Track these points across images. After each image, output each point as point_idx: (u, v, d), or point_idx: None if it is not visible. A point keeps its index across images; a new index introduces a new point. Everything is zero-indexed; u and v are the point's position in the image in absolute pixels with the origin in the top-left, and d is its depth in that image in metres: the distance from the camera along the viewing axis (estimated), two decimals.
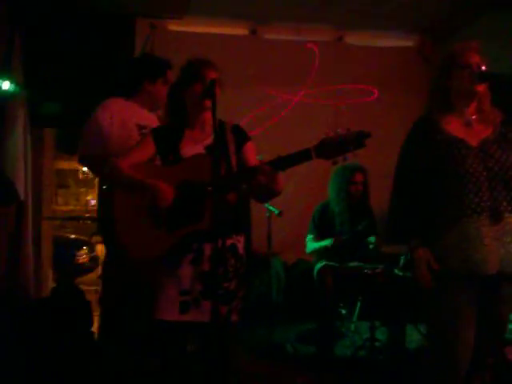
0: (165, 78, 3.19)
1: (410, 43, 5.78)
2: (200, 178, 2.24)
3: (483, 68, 2.24)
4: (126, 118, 3.09)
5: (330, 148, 2.10)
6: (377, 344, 3.84)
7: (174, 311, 2.31)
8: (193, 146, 2.41)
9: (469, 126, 2.29)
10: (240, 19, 5.33)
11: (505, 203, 2.12)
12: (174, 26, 5.22)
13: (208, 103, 2.30)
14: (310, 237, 4.25)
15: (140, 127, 3.08)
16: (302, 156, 2.14)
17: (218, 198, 2.17)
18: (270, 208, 4.00)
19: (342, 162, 2.13)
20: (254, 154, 2.49)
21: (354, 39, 5.65)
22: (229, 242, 2.38)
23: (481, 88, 2.23)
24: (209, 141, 2.39)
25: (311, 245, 4.21)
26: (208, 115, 2.35)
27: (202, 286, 2.31)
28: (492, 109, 2.31)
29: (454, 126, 2.28)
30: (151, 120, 3.16)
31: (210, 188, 2.19)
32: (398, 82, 5.39)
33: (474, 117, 2.29)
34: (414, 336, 4.05)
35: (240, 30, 5.40)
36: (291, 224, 4.80)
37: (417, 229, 2.26)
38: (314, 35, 5.52)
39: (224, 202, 2.26)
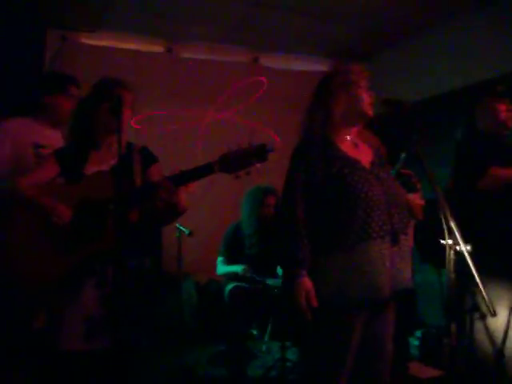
0: (66, 91, 3.09)
1: (323, 67, 5.93)
2: (101, 195, 2.17)
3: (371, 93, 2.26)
4: (20, 138, 2.97)
5: (232, 162, 2.10)
6: (288, 364, 3.85)
7: (77, 339, 2.20)
8: (98, 167, 2.34)
9: (356, 147, 2.30)
10: (156, 37, 5.27)
11: (399, 225, 2.14)
12: (87, 39, 5.07)
13: (115, 124, 2.23)
14: (220, 258, 4.22)
15: (36, 146, 2.97)
16: (205, 170, 2.13)
17: (120, 216, 2.09)
18: (181, 228, 3.94)
19: (244, 175, 2.12)
20: (159, 176, 2.40)
21: (269, 61, 5.74)
22: (133, 262, 2.31)
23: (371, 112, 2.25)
24: (114, 161, 2.32)
25: (221, 268, 4.18)
26: (115, 136, 2.27)
27: (107, 311, 2.21)
28: (370, 133, 2.34)
29: (346, 145, 2.26)
30: (53, 138, 3.06)
31: (111, 206, 2.12)
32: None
33: (352, 138, 2.29)
34: None
35: (155, 48, 5.34)
36: (203, 244, 4.77)
37: (304, 256, 2.12)
38: (229, 55, 5.56)
39: (126, 220, 2.19)
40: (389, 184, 2.20)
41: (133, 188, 2.29)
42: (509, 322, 2.80)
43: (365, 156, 2.27)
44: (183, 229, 3.93)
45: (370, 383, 2.22)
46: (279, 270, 4.03)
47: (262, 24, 4.97)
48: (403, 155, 2.73)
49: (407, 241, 2.19)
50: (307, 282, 2.10)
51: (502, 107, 3.00)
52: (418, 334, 4.44)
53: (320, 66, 5.90)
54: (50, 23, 4.84)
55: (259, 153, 2.09)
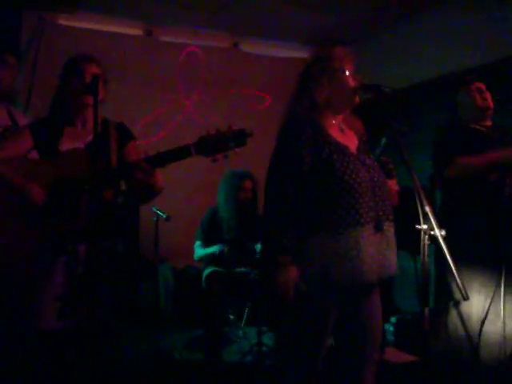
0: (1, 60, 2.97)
1: (303, 54, 5.92)
2: (76, 173, 2.14)
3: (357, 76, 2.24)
4: None
5: (209, 145, 2.09)
6: (264, 349, 3.87)
7: (49, 318, 2.17)
8: (73, 143, 2.31)
9: (343, 133, 2.28)
10: (135, 19, 5.20)
11: (383, 212, 2.14)
12: (65, 21, 4.97)
13: (89, 100, 2.20)
14: (198, 243, 4.20)
15: None
16: (182, 152, 2.11)
17: (95, 195, 2.07)
18: (158, 212, 3.92)
19: (222, 159, 2.12)
20: (136, 154, 2.41)
21: (249, 47, 5.71)
22: (107, 242, 2.29)
23: (357, 98, 2.24)
24: (90, 138, 2.30)
25: (199, 251, 4.17)
26: (90, 112, 2.23)
27: (79, 290, 2.18)
28: (356, 118, 2.33)
29: (333, 131, 2.23)
30: None
31: (86, 186, 2.10)
32: (290, 91, 5.48)
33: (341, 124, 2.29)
34: None
35: (135, 30, 5.27)
36: (181, 229, 4.74)
37: (291, 243, 2.09)
38: (210, 40, 5.52)
39: (100, 199, 2.17)
40: (374, 170, 2.20)
41: (108, 167, 2.26)
42: (485, 307, 2.83)
43: (351, 142, 2.26)
44: (161, 213, 3.90)
45: (358, 362, 2.24)
46: (257, 247, 4.04)
47: (242, 9, 4.94)
48: (383, 141, 2.74)
49: (392, 227, 2.19)
50: (293, 271, 2.09)
51: (476, 93, 3.03)
52: (393, 320, 4.49)
53: (301, 53, 5.88)
54: (27, 4, 4.73)
55: (238, 137, 2.09)
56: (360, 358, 2.23)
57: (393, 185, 2.40)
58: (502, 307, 2.79)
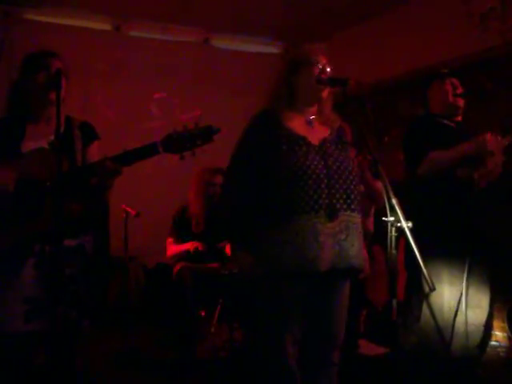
0: None
1: (274, 50, 5.92)
2: (40, 173, 2.10)
3: (328, 70, 2.27)
4: None
5: (177, 142, 2.08)
6: (236, 345, 3.86)
7: (17, 321, 2.12)
8: (36, 142, 2.25)
9: (310, 125, 2.29)
10: (103, 14, 5.13)
11: (341, 201, 2.15)
12: (31, 15, 4.89)
13: (53, 95, 2.16)
14: (170, 239, 4.16)
15: None
16: (149, 150, 2.10)
17: (59, 195, 2.02)
18: (127, 209, 3.88)
19: (190, 156, 2.11)
20: (97, 155, 2.35)
21: (220, 42, 5.69)
22: (74, 242, 2.25)
23: (326, 91, 2.27)
24: (53, 136, 2.23)
25: (172, 248, 4.13)
26: (54, 109, 2.18)
27: (48, 292, 2.14)
28: (332, 113, 2.35)
29: (295, 124, 2.26)
30: None
31: (48, 184, 2.06)
32: (260, 87, 5.46)
33: (313, 117, 2.31)
34: None
35: (103, 25, 5.21)
36: (151, 227, 4.69)
37: (239, 230, 2.25)
38: (180, 35, 5.49)
39: (66, 199, 2.11)
40: (338, 160, 2.20)
41: (73, 167, 2.23)
42: (456, 299, 2.87)
43: (317, 134, 2.27)
44: (130, 210, 3.86)
45: (311, 362, 2.27)
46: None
47: (212, 4, 4.91)
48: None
49: (355, 218, 2.19)
50: (246, 255, 2.23)
51: (449, 88, 3.04)
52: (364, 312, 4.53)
53: (272, 49, 5.90)
54: None
55: (204, 134, 2.08)
56: (313, 358, 2.27)
57: (379, 184, 2.41)
58: (464, 299, 2.85)
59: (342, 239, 2.14)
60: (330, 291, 2.24)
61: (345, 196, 2.16)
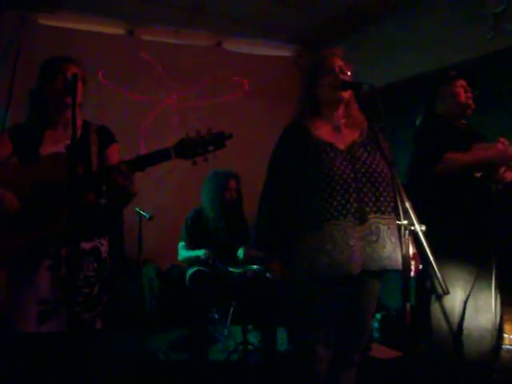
0: None
1: (287, 53, 5.92)
2: (57, 177, 2.12)
3: (348, 73, 2.29)
4: None
5: (189, 148, 2.10)
6: (249, 347, 3.87)
7: (31, 322, 2.16)
8: (54, 146, 2.29)
9: (337, 131, 2.32)
10: (117, 18, 5.16)
11: (370, 204, 2.17)
12: (46, 21, 4.91)
13: (69, 100, 2.18)
14: (182, 243, 4.16)
15: None
16: (162, 155, 2.12)
17: (75, 198, 2.05)
18: (141, 212, 3.89)
19: (202, 162, 2.12)
20: (117, 157, 2.38)
21: (232, 46, 5.69)
22: (90, 245, 2.28)
23: (346, 95, 2.28)
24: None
25: (183, 252, 4.12)
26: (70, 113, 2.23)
27: (62, 294, 2.18)
28: (359, 114, 2.35)
29: (323, 131, 2.30)
30: None
31: (64, 188, 2.08)
32: (273, 90, 5.49)
33: (342, 121, 2.34)
34: (284, 338, 4.13)
35: (116, 30, 5.23)
36: (165, 230, 4.71)
37: (276, 240, 2.31)
38: (192, 39, 5.50)
39: (81, 203, 2.15)
40: (366, 163, 2.22)
41: (88, 171, 2.25)
42: (465, 302, 2.86)
43: (345, 138, 2.30)
44: (143, 213, 3.88)
45: (336, 360, 2.31)
46: (240, 253, 4.02)
47: (225, 8, 4.93)
48: None
49: (386, 219, 2.19)
50: (277, 264, 2.33)
51: (461, 89, 3.04)
52: (378, 316, 4.52)
53: (283, 52, 5.90)
54: (8, 3, 4.69)
55: (217, 140, 2.11)
56: (337, 357, 2.31)
57: None
58: (475, 303, 2.86)
59: (373, 241, 2.16)
60: (361, 292, 2.28)
61: (374, 199, 2.18)
